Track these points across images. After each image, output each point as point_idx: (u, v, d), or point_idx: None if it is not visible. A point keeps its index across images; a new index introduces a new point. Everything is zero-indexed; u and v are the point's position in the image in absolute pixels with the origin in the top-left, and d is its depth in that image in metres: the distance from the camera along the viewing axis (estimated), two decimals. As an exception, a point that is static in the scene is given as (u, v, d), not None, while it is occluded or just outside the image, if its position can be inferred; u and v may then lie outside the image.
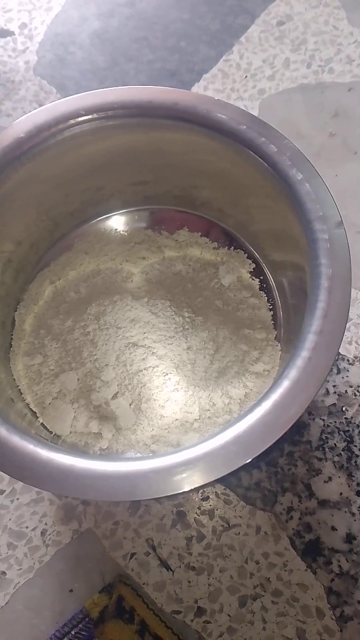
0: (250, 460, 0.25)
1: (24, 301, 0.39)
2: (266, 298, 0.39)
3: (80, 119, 0.33)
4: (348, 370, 0.39)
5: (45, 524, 0.37)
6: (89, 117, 0.33)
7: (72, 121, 0.32)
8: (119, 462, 0.26)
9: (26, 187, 0.35)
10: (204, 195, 0.41)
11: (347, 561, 0.35)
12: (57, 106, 0.33)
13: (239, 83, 0.50)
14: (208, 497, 0.37)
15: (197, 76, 0.52)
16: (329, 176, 0.45)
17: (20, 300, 0.39)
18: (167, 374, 0.36)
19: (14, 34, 0.55)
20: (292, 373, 0.26)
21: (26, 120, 0.32)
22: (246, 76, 0.51)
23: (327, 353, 0.26)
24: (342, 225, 0.29)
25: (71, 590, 0.36)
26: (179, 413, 0.35)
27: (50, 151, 0.34)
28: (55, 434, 0.35)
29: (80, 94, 0.33)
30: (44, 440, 0.28)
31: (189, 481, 0.25)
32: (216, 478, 0.25)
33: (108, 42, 0.55)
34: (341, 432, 0.38)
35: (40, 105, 0.51)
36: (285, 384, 0.26)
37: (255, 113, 0.49)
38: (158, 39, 0.55)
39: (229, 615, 0.35)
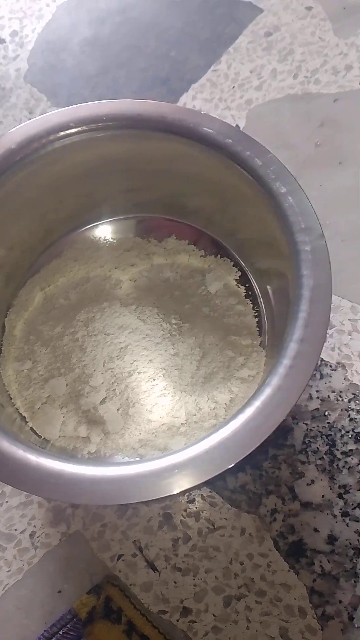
0: (234, 464, 0.26)
1: (14, 307, 0.40)
2: (252, 305, 0.40)
3: (70, 130, 0.33)
4: (331, 376, 0.40)
5: (34, 526, 0.38)
6: (79, 129, 0.33)
7: (62, 133, 0.33)
8: (107, 466, 0.27)
9: (18, 194, 0.36)
10: (193, 204, 0.41)
11: (329, 562, 0.36)
12: (49, 118, 0.34)
13: (227, 93, 0.51)
14: (194, 500, 0.38)
15: (186, 85, 0.53)
16: (314, 186, 0.47)
17: (10, 306, 0.40)
18: (154, 380, 0.37)
19: (5, 42, 0.55)
20: (275, 380, 0.27)
21: (18, 131, 0.33)
22: (234, 86, 0.52)
23: (308, 361, 0.27)
24: (324, 238, 0.30)
25: (60, 591, 0.37)
26: (166, 417, 0.36)
27: (41, 160, 0.35)
28: (44, 438, 0.36)
29: (71, 107, 0.34)
30: (33, 445, 0.29)
31: (176, 485, 0.26)
32: (202, 481, 0.26)
33: (99, 49, 0.56)
34: (324, 436, 0.39)
35: (31, 112, 0.52)
36: (267, 391, 0.27)
37: (242, 123, 0.50)
38: (149, 47, 0.56)
39: (214, 615, 0.36)
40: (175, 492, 0.25)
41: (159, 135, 0.35)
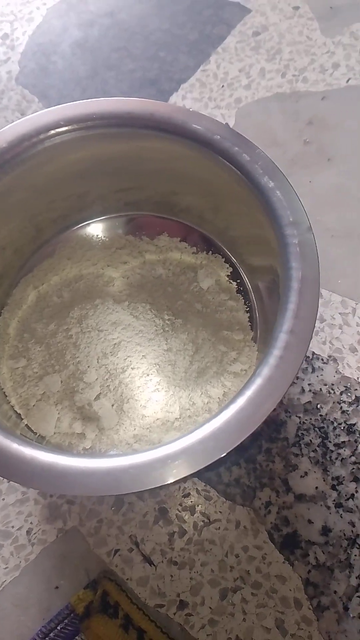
0: (225, 453, 0.26)
1: (7, 306, 0.40)
2: (243, 300, 0.40)
3: (60, 129, 0.34)
4: (322, 369, 0.41)
5: (31, 523, 0.38)
6: (69, 127, 0.34)
7: (52, 132, 0.34)
8: (100, 458, 0.27)
9: (10, 194, 0.36)
10: (184, 202, 0.42)
11: (323, 553, 0.37)
12: (39, 117, 0.34)
13: (216, 92, 0.52)
14: (189, 494, 0.38)
15: (176, 85, 0.53)
16: (303, 183, 0.47)
17: (4, 305, 0.40)
18: (148, 375, 0.37)
19: (-4, 44, 0.56)
20: (265, 371, 0.27)
21: (8, 131, 0.33)
22: (223, 85, 0.52)
23: (297, 351, 0.28)
24: (311, 231, 0.30)
25: (57, 587, 0.37)
26: (160, 413, 0.37)
27: (32, 160, 0.35)
28: (39, 434, 0.36)
29: (61, 105, 0.34)
30: (28, 439, 0.29)
31: (169, 475, 0.26)
32: (195, 470, 0.26)
33: (89, 51, 0.56)
34: (316, 429, 0.39)
35: (23, 114, 0.53)
36: (258, 382, 0.27)
37: (232, 122, 0.51)
38: (138, 48, 0.56)
39: (210, 608, 0.36)
40: (168, 482, 0.26)
41: (149, 133, 0.35)
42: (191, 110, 0.34)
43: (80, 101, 0.34)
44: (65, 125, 0.34)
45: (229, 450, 0.26)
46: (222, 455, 0.26)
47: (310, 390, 0.40)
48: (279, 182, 0.31)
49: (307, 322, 0.28)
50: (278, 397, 0.27)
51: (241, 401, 0.27)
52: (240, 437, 0.26)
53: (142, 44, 0.56)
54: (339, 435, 0.39)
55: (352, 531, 0.37)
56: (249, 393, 0.27)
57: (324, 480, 0.38)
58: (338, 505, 0.38)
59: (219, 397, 0.37)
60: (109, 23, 0.58)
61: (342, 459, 0.39)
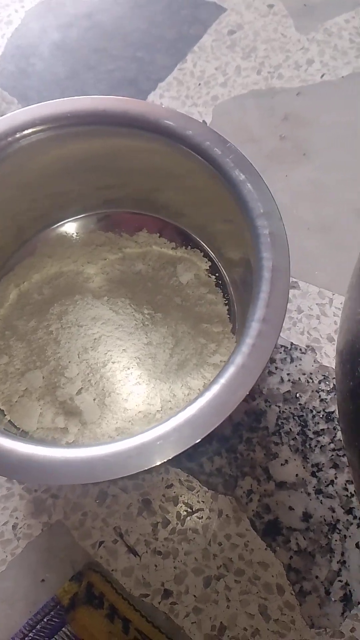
0: (200, 439, 0.26)
1: (-11, 304, 0.40)
2: (222, 294, 0.41)
3: (36, 128, 0.34)
4: (301, 359, 0.42)
5: (16, 518, 0.39)
6: (45, 126, 0.34)
7: (27, 131, 0.34)
8: (78, 448, 0.27)
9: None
10: (164, 198, 0.42)
11: (305, 539, 0.37)
12: (14, 116, 0.34)
13: (193, 90, 0.53)
14: (172, 485, 0.39)
15: (154, 84, 0.54)
16: (280, 178, 0.48)
17: (-15, 304, 0.40)
18: (129, 369, 0.38)
19: (-25, 47, 0.56)
20: (238, 359, 0.28)
21: (-16, 130, 0.34)
22: (200, 84, 0.53)
23: (269, 339, 0.28)
24: (282, 221, 0.31)
25: (43, 580, 0.37)
26: (141, 405, 0.37)
27: (11, 159, 0.36)
28: (22, 430, 0.36)
29: (36, 104, 0.35)
30: (9, 433, 0.30)
31: (147, 461, 0.27)
32: (171, 457, 0.27)
33: (68, 53, 0.57)
34: (296, 418, 0.40)
35: (1, 116, 0.53)
36: (231, 370, 0.28)
37: (209, 119, 0.51)
38: (117, 49, 0.57)
39: (195, 596, 0.36)
40: (146, 467, 0.26)
41: (123, 131, 0.36)
42: (164, 107, 0.34)
43: (55, 100, 0.35)
44: (41, 125, 0.35)
45: (204, 435, 0.27)
46: (197, 441, 0.26)
47: (289, 380, 0.41)
48: (250, 175, 0.32)
49: (278, 310, 0.29)
50: (251, 384, 0.27)
51: (215, 389, 0.28)
52: (215, 423, 0.27)
53: (121, 45, 0.57)
54: (318, 423, 0.40)
55: (332, 517, 0.38)
56: (222, 381, 0.28)
57: (304, 468, 0.39)
58: (318, 491, 0.38)
59: (199, 389, 0.37)
60: (87, 24, 0.58)
61: (322, 446, 0.39)
